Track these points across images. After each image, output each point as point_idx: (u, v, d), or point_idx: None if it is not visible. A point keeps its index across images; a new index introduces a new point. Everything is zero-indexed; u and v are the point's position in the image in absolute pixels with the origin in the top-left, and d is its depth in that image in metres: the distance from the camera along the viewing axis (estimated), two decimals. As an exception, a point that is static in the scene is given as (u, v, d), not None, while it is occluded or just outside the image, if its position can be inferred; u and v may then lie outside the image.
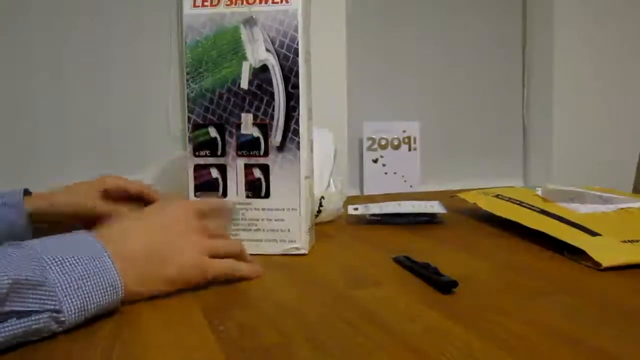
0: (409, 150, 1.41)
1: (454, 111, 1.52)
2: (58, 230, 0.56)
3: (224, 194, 0.71)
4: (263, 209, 0.70)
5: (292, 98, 0.69)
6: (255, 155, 0.70)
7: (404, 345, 0.42)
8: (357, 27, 1.40)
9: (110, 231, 0.53)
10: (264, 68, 0.69)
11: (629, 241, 0.66)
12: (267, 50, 0.69)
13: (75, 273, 0.45)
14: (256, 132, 0.70)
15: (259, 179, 0.70)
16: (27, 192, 0.70)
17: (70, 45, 1.21)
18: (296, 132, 0.69)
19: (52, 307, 0.43)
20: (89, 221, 0.67)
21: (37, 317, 0.42)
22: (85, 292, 0.45)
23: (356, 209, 0.90)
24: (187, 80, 0.71)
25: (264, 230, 0.70)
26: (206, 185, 0.71)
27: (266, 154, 0.70)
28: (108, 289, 0.47)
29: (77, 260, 0.46)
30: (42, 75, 1.20)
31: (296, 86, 0.69)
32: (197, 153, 0.71)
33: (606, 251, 0.63)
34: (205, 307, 0.52)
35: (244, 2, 0.69)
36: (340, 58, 1.31)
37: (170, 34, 1.26)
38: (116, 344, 0.44)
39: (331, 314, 0.49)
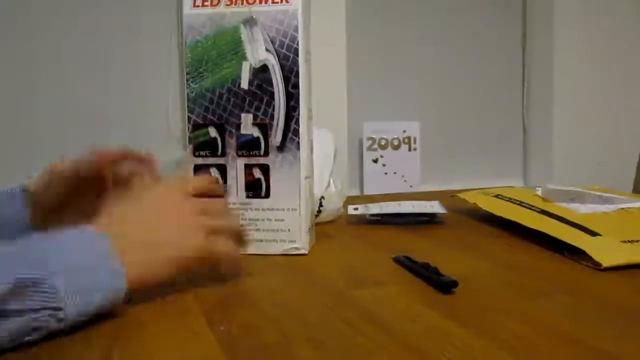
0: (409, 150, 1.41)
1: (454, 111, 1.52)
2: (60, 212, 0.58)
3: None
4: (263, 209, 0.70)
5: (292, 98, 0.69)
6: (255, 155, 0.70)
7: (404, 345, 0.42)
8: (357, 27, 1.40)
9: (109, 222, 0.51)
10: (264, 68, 0.69)
11: (629, 241, 0.66)
12: (267, 50, 0.69)
13: (77, 271, 0.45)
14: (256, 132, 0.70)
15: (259, 179, 0.70)
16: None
17: (70, 45, 1.21)
18: (296, 132, 0.69)
19: (53, 304, 0.43)
20: (90, 188, 0.67)
21: (36, 315, 0.42)
22: (87, 290, 0.45)
23: (356, 209, 0.90)
24: (187, 80, 0.71)
25: (264, 230, 0.70)
26: (206, 185, 0.71)
27: (266, 154, 0.70)
28: (111, 288, 0.47)
29: (80, 258, 0.46)
30: (42, 75, 1.20)
31: (296, 86, 0.69)
32: (197, 153, 0.71)
33: (606, 251, 0.63)
34: (206, 307, 0.52)
35: (244, 2, 0.69)
36: (340, 58, 1.31)
37: (170, 34, 1.26)
38: (116, 344, 0.44)
39: (331, 314, 0.49)
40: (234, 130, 0.70)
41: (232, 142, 0.70)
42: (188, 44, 0.70)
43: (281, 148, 0.69)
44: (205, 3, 0.70)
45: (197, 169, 0.71)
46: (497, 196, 0.89)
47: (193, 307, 0.52)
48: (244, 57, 0.69)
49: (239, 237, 0.59)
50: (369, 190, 1.40)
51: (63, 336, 0.45)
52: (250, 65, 0.69)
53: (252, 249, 0.70)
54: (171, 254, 0.52)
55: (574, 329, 0.45)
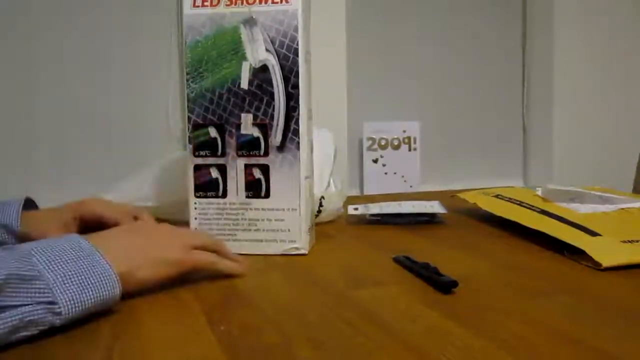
0: (409, 150, 1.41)
1: (454, 111, 1.52)
2: None
3: (224, 194, 0.71)
4: (263, 209, 0.70)
5: (292, 98, 0.69)
6: (255, 155, 0.70)
7: (404, 345, 0.42)
8: (357, 27, 1.40)
9: (96, 235, 0.54)
10: (264, 68, 0.69)
11: (629, 241, 0.66)
12: (267, 50, 0.69)
13: (66, 268, 0.46)
14: (256, 132, 0.70)
15: (259, 179, 0.70)
16: (27, 202, 0.70)
17: (70, 45, 1.21)
18: (296, 132, 0.69)
19: (46, 299, 0.44)
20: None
21: (31, 309, 0.43)
22: (79, 284, 0.46)
23: (356, 209, 0.90)
24: (187, 80, 0.71)
25: (264, 230, 0.70)
26: (206, 186, 0.71)
27: (266, 154, 0.70)
28: (102, 281, 0.47)
29: (68, 257, 0.47)
30: (42, 75, 1.20)
31: (296, 86, 0.69)
32: (197, 153, 0.71)
33: (606, 251, 0.63)
34: (206, 307, 0.52)
35: (244, 2, 0.69)
36: (340, 58, 1.31)
37: (170, 34, 1.26)
38: (116, 344, 0.44)
39: (331, 314, 0.49)
40: (234, 130, 0.70)
41: (232, 142, 0.70)
42: (188, 44, 0.70)
43: (281, 148, 0.69)
44: (205, 3, 0.70)
45: (197, 169, 0.71)
46: (497, 196, 0.89)
47: (193, 307, 0.52)
48: (244, 57, 0.69)
49: (218, 250, 0.61)
50: (369, 190, 1.40)
51: (63, 332, 0.45)
52: (250, 65, 0.69)
53: (252, 249, 0.70)
54: (153, 256, 0.54)
55: (574, 329, 0.45)
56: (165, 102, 1.27)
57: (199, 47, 0.70)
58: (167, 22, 1.25)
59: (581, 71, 1.50)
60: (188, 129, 0.72)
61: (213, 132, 0.71)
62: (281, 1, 0.68)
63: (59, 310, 0.44)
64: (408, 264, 0.62)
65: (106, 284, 0.47)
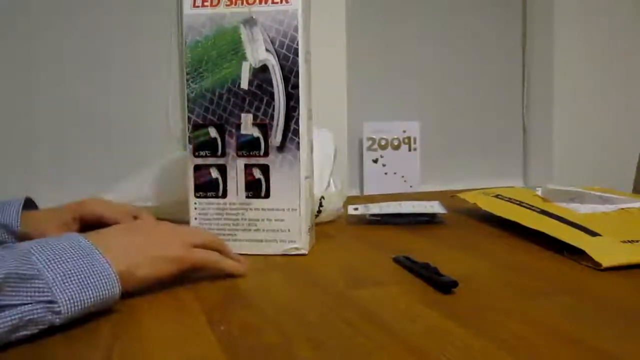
0: (409, 150, 1.41)
1: (454, 111, 1.52)
2: None
3: (224, 194, 0.71)
4: (263, 209, 0.70)
5: (292, 98, 0.69)
6: (255, 156, 0.70)
7: (404, 345, 0.42)
8: (357, 27, 1.40)
9: (95, 233, 0.54)
10: (264, 68, 0.69)
11: (629, 241, 0.66)
12: (267, 50, 0.69)
13: (66, 267, 0.46)
14: (256, 132, 0.70)
15: (259, 179, 0.70)
16: (27, 202, 0.70)
17: (70, 45, 1.21)
18: (296, 132, 0.69)
19: (46, 298, 0.44)
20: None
21: (30, 308, 0.43)
22: (78, 283, 0.46)
23: (356, 209, 0.90)
24: (187, 80, 0.71)
25: (264, 230, 0.70)
26: (206, 186, 0.71)
27: (266, 154, 0.70)
28: (102, 280, 0.47)
29: (67, 256, 0.47)
30: (42, 75, 1.20)
31: (296, 86, 0.69)
32: (197, 153, 0.71)
33: (606, 251, 0.63)
34: (206, 307, 0.52)
35: (244, 2, 0.69)
36: (340, 58, 1.31)
37: (170, 34, 1.26)
38: (116, 343, 0.44)
39: (331, 314, 0.49)
40: (234, 130, 0.70)
41: (232, 142, 0.70)
42: (188, 44, 0.70)
43: (281, 148, 0.69)
44: (205, 3, 0.70)
45: (197, 169, 0.71)
46: (497, 196, 0.89)
47: (193, 307, 0.52)
48: (244, 57, 0.69)
49: (219, 248, 0.61)
50: (369, 190, 1.40)
51: (63, 331, 0.45)
52: (250, 65, 0.69)
53: (252, 249, 0.70)
54: (153, 254, 0.54)
55: (574, 329, 0.45)
56: (165, 102, 1.27)
57: (199, 47, 0.70)
58: (167, 22, 1.25)
59: (581, 71, 1.50)
60: (188, 129, 0.72)
61: (213, 132, 0.71)
62: (281, 1, 0.68)
63: (58, 309, 0.44)
64: (408, 264, 0.62)
65: (106, 283, 0.47)
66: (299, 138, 0.69)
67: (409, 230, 0.84)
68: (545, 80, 1.51)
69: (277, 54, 0.69)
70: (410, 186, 1.41)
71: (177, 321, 0.49)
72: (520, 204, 0.83)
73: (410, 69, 1.47)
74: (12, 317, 0.42)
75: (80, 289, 0.45)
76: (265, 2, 0.68)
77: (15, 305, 0.42)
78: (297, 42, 0.68)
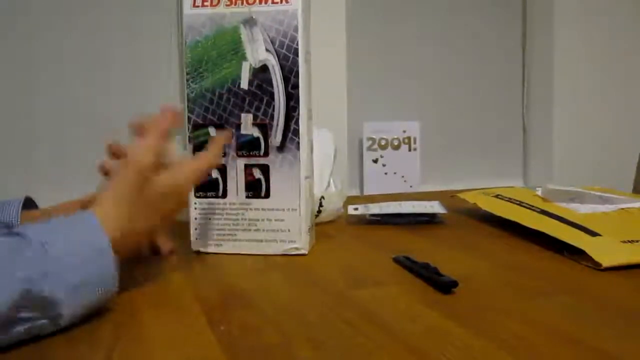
0: (409, 150, 1.41)
1: (454, 111, 1.52)
2: None
3: (224, 194, 0.71)
4: (263, 209, 0.70)
5: (292, 98, 0.69)
6: (255, 156, 0.70)
7: (404, 345, 0.42)
8: (357, 27, 1.40)
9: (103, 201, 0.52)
10: (264, 68, 0.69)
11: (629, 241, 0.66)
12: (267, 50, 0.69)
13: (76, 279, 0.45)
14: (256, 132, 0.70)
15: (259, 179, 0.70)
16: (27, 202, 0.70)
17: (70, 45, 1.21)
18: (296, 132, 0.69)
19: (54, 313, 0.44)
20: None
21: (40, 323, 0.43)
22: (84, 298, 0.46)
23: (356, 209, 0.90)
24: (187, 80, 0.71)
25: (264, 230, 0.70)
26: (206, 186, 0.71)
27: (266, 154, 0.70)
28: (105, 285, 0.48)
29: (82, 258, 0.46)
30: (42, 75, 1.20)
31: (296, 86, 0.69)
32: (197, 153, 0.71)
33: (606, 251, 0.63)
34: (206, 307, 0.52)
35: (244, 2, 0.69)
36: (340, 58, 1.31)
37: (170, 34, 1.26)
38: (116, 344, 0.44)
39: (331, 314, 0.49)
40: (234, 130, 0.70)
41: (232, 142, 0.70)
42: (188, 44, 0.70)
43: (281, 148, 0.69)
44: (205, 3, 0.70)
45: (197, 169, 0.71)
46: (497, 196, 0.89)
47: (193, 307, 0.52)
48: (244, 57, 0.69)
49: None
50: (369, 190, 1.40)
51: (64, 332, 0.45)
52: (250, 65, 0.69)
53: (252, 249, 0.70)
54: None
55: (574, 329, 0.45)
56: (165, 102, 1.27)
57: (199, 47, 0.70)
58: (167, 22, 1.25)
59: (581, 71, 1.50)
60: (188, 129, 0.72)
61: (213, 132, 0.71)
62: (281, 1, 0.68)
63: (61, 322, 0.45)
64: (408, 264, 0.62)
65: (108, 287, 0.48)
66: (299, 138, 0.69)
67: (409, 230, 0.84)
68: (545, 80, 1.51)
69: (277, 54, 0.69)
70: (410, 186, 1.41)
71: (177, 321, 0.49)
72: (520, 204, 0.83)
73: (410, 69, 1.47)
74: (21, 331, 0.43)
75: (85, 300, 0.46)
76: (265, 2, 0.68)
77: (27, 320, 0.43)
78: (297, 42, 0.68)
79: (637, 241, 0.66)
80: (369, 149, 1.40)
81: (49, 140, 1.21)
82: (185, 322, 0.48)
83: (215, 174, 0.71)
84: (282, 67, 0.69)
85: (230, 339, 0.44)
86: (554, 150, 1.49)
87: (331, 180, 0.90)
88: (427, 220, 0.89)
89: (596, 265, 0.61)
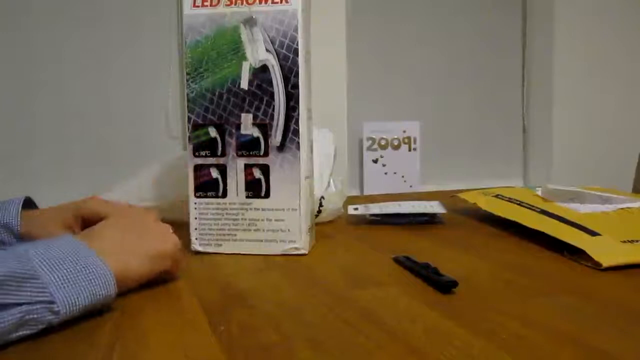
0: (409, 150, 1.41)
1: (454, 111, 1.52)
2: None
3: (224, 194, 0.71)
4: (263, 209, 0.70)
5: (292, 98, 0.69)
6: (255, 155, 0.70)
7: (404, 345, 0.42)
8: (357, 27, 1.40)
9: (89, 232, 0.55)
10: (264, 68, 0.69)
11: (629, 241, 0.66)
12: (267, 50, 0.69)
13: (63, 268, 0.46)
14: (256, 132, 0.70)
15: (259, 179, 0.70)
16: (27, 202, 0.70)
17: (70, 45, 1.21)
18: (296, 132, 0.69)
19: (45, 298, 0.44)
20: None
21: (29, 307, 0.43)
22: (75, 283, 0.46)
23: (356, 209, 0.90)
24: (187, 80, 0.71)
25: (264, 230, 0.70)
26: (206, 186, 0.71)
27: (266, 154, 0.70)
28: (98, 280, 0.48)
29: (64, 256, 0.47)
30: (42, 75, 1.20)
31: (296, 86, 0.69)
32: (197, 153, 0.71)
33: (606, 251, 0.63)
34: (205, 307, 0.52)
35: (244, 2, 0.69)
36: (340, 58, 1.31)
37: (170, 34, 1.26)
38: (116, 344, 0.44)
39: (331, 314, 0.49)
40: (234, 130, 0.70)
41: (232, 142, 0.70)
42: (188, 44, 0.70)
43: (281, 148, 0.69)
44: (205, 3, 0.70)
45: (197, 169, 0.71)
46: (497, 196, 0.89)
47: (193, 307, 0.52)
48: (244, 57, 0.69)
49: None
50: (369, 190, 1.40)
51: (64, 332, 0.45)
52: (250, 65, 0.69)
53: (252, 249, 0.70)
54: (147, 252, 0.55)
55: (574, 329, 0.45)
56: (165, 102, 1.27)
57: (199, 47, 0.70)
58: (167, 22, 1.25)
59: (581, 71, 1.50)
60: (188, 129, 0.72)
61: (213, 132, 0.71)
62: (281, 1, 0.68)
63: (57, 309, 0.44)
64: (408, 264, 0.62)
65: (102, 283, 0.48)
66: (299, 138, 0.69)
67: (409, 230, 0.84)
68: (545, 80, 1.51)
69: (277, 54, 0.69)
70: (410, 186, 1.41)
71: (177, 321, 0.49)
72: (520, 204, 0.83)
73: (410, 69, 1.47)
74: (13, 316, 0.42)
75: (77, 290, 0.46)
76: (265, 2, 0.68)
77: (16, 305, 0.43)
78: (297, 42, 0.68)
79: (637, 241, 0.66)
80: (369, 149, 1.40)
81: (49, 140, 1.21)
82: (185, 322, 0.48)
83: (215, 174, 0.71)
84: (282, 67, 0.69)
85: (229, 338, 0.44)
86: (554, 150, 1.49)
87: (331, 180, 0.90)
88: (427, 220, 0.89)
89: (596, 265, 0.61)
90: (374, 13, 1.44)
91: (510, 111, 1.57)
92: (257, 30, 0.69)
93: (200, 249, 0.71)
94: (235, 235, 0.71)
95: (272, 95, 0.69)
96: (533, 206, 0.81)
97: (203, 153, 0.71)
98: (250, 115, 0.70)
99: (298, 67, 0.68)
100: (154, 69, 1.26)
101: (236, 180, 0.70)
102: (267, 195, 0.70)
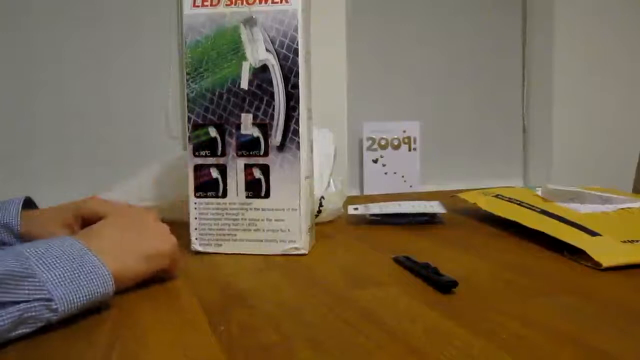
0: (409, 150, 1.41)
1: (454, 111, 1.52)
2: None
3: (224, 194, 0.71)
4: (263, 209, 0.70)
5: (292, 98, 0.69)
6: (255, 155, 0.70)
7: (404, 345, 0.42)
8: (357, 27, 1.40)
9: (88, 232, 0.55)
10: (264, 68, 0.69)
11: (629, 241, 0.66)
12: (267, 50, 0.69)
13: (60, 266, 0.46)
14: (256, 132, 0.70)
15: (259, 179, 0.70)
16: (27, 202, 0.70)
17: (70, 45, 1.21)
18: (296, 132, 0.69)
19: (42, 296, 0.44)
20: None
21: (27, 305, 0.43)
22: (73, 281, 0.46)
23: (356, 209, 0.90)
24: (187, 80, 0.71)
25: (264, 230, 0.70)
26: (206, 186, 0.71)
27: (266, 154, 0.70)
28: (95, 278, 0.48)
29: (61, 255, 0.47)
30: (42, 75, 1.20)
31: (296, 86, 0.69)
32: (197, 153, 0.71)
33: (606, 251, 0.63)
34: (205, 306, 0.52)
35: (244, 2, 0.69)
36: (340, 58, 1.31)
37: (170, 34, 1.26)
38: (116, 344, 0.44)
39: (331, 314, 0.49)
40: (234, 130, 0.70)
41: (232, 142, 0.70)
42: (188, 44, 0.70)
43: (281, 148, 0.69)
44: (205, 3, 0.70)
45: (197, 169, 0.71)
46: (497, 196, 0.89)
47: (193, 307, 0.52)
48: (244, 57, 0.69)
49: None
50: (369, 190, 1.40)
51: (63, 331, 0.45)
52: (250, 65, 0.69)
53: (252, 249, 0.70)
54: (145, 251, 0.55)
55: (574, 329, 0.45)
56: (165, 102, 1.27)
57: (199, 47, 0.70)
58: (167, 22, 1.25)
59: (581, 71, 1.50)
60: (188, 129, 0.72)
61: (213, 132, 0.71)
62: (281, 1, 0.68)
63: (55, 307, 0.45)
64: (408, 264, 0.62)
65: (99, 281, 0.48)
66: (299, 138, 0.69)
67: (409, 230, 0.84)
68: (545, 80, 1.51)
69: (277, 54, 0.69)
70: (410, 186, 1.41)
71: (176, 321, 0.49)
72: (520, 204, 0.83)
73: (410, 69, 1.47)
74: (12, 314, 0.42)
75: (74, 288, 0.46)
76: (265, 2, 0.68)
77: (14, 303, 0.43)
78: (297, 42, 0.68)
79: (637, 241, 0.66)
80: (369, 149, 1.40)
81: (49, 140, 1.21)
82: (185, 321, 0.48)
83: (215, 174, 0.71)
84: (282, 67, 0.69)
85: (229, 338, 0.44)
86: (554, 150, 1.49)
87: (331, 180, 0.90)
88: (427, 220, 0.89)
89: (596, 265, 0.61)
90: (374, 13, 1.44)
91: (510, 111, 1.57)
92: (257, 30, 0.69)
93: (200, 249, 0.71)
94: (235, 235, 0.71)
95: (272, 95, 0.69)
96: (533, 206, 0.81)
97: (203, 153, 0.71)
98: (250, 115, 0.70)
99: (298, 67, 0.68)
100: (154, 69, 1.26)
101: (236, 180, 0.70)
102: (267, 195, 0.70)
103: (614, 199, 0.81)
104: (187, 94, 0.71)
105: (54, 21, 1.20)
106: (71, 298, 0.46)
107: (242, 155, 0.70)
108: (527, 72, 1.56)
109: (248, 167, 0.70)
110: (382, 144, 1.40)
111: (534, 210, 0.80)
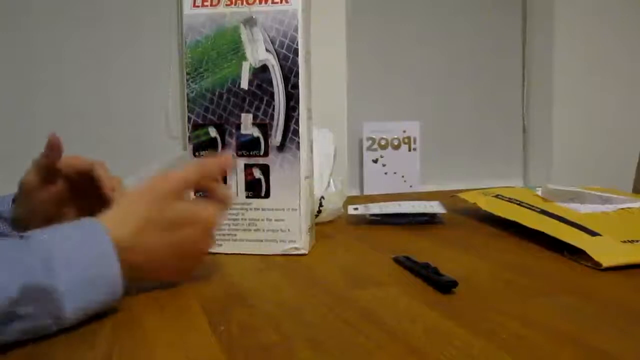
0: (409, 150, 1.41)
1: (453, 111, 1.52)
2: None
3: (224, 194, 0.71)
4: (263, 209, 0.70)
5: (292, 98, 0.69)
6: (255, 155, 0.70)
7: (404, 345, 0.42)
8: (357, 27, 1.40)
9: (133, 239, 0.51)
10: (264, 68, 0.69)
11: (629, 241, 0.66)
12: (267, 50, 0.69)
13: (82, 277, 0.45)
14: (256, 132, 0.70)
15: (259, 179, 0.70)
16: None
17: (70, 45, 1.21)
18: (296, 132, 0.69)
19: (56, 313, 0.44)
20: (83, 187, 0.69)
21: (41, 321, 0.43)
22: (88, 297, 0.46)
23: (356, 209, 0.90)
24: (187, 80, 0.71)
25: (264, 230, 0.70)
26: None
27: (266, 154, 0.70)
28: (110, 289, 0.48)
29: (86, 262, 0.46)
30: (42, 75, 1.20)
31: (296, 86, 0.69)
32: (197, 153, 0.71)
33: (606, 251, 0.63)
34: (205, 306, 0.52)
35: (244, 2, 0.69)
36: (340, 58, 1.31)
37: (170, 34, 1.26)
38: (116, 344, 0.44)
39: (331, 314, 0.49)
40: (234, 130, 0.70)
41: (232, 142, 0.70)
42: (188, 44, 0.70)
43: (281, 148, 0.69)
44: (205, 3, 0.70)
45: (197, 169, 0.71)
46: (497, 196, 0.89)
47: (193, 307, 0.52)
48: (244, 57, 0.69)
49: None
50: (369, 190, 1.40)
51: (63, 332, 0.45)
52: (250, 65, 0.69)
53: (252, 249, 0.70)
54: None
55: (574, 329, 0.45)
56: (165, 102, 1.27)
57: (199, 47, 0.70)
58: (167, 22, 1.25)
59: (581, 71, 1.50)
60: (188, 129, 0.72)
61: (213, 132, 0.71)
62: (281, 1, 0.68)
63: (62, 322, 0.45)
64: (408, 264, 0.62)
65: (112, 291, 0.48)
66: (299, 138, 0.69)
67: (409, 230, 0.84)
68: (545, 80, 1.51)
69: (277, 54, 0.69)
70: (410, 186, 1.41)
71: (177, 321, 0.49)
72: (520, 204, 0.83)
73: (410, 69, 1.47)
74: (23, 328, 0.42)
75: (88, 299, 0.46)
76: (265, 2, 0.68)
77: (28, 317, 0.43)
78: (297, 42, 0.68)
79: (637, 241, 0.66)
80: (369, 149, 1.40)
81: (49, 140, 1.21)
82: (185, 321, 0.48)
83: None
84: (282, 67, 0.69)
85: (230, 338, 0.44)
86: (554, 150, 1.49)
87: (331, 180, 0.90)
88: (427, 220, 0.89)
89: (596, 265, 0.61)
90: (374, 13, 1.44)
91: (510, 111, 1.57)
92: (257, 30, 0.69)
93: (200, 249, 0.71)
94: (235, 235, 0.70)
95: (272, 95, 0.69)
96: (533, 206, 0.81)
97: (203, 153, 0.71)
98: (250, 115, 0.70)
99: (298, 67, 0.68)
100: (154, 69, 1.26)
101: (236, 180, 0.70)
102: (267, 195, 0.70)
103: (614, 199, 0.81)
104: (187, 94, 0.71)
105: (54, 21, 1.20)
106: (81, 310, 0.46)
107: (242, 155, 0.70)
108: (527, 72, 1.56)
109: (248, 167, 0.70)
110: (382, 144, 1.40)
111: (534, 210, 0.80)
